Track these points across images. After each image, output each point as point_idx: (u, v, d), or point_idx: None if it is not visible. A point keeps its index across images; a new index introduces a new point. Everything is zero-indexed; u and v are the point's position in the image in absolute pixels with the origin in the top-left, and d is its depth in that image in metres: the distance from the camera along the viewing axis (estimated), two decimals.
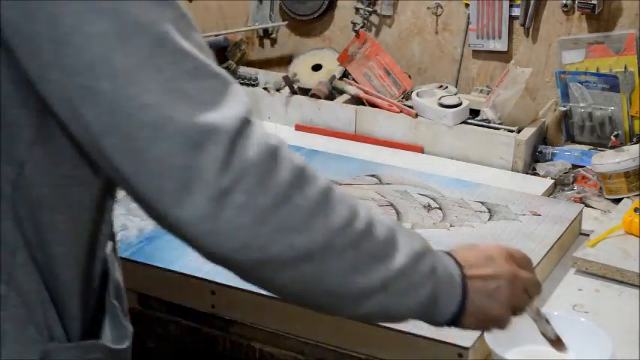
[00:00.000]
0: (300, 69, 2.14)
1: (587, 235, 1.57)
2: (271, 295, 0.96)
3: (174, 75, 0.86)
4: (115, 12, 0.85)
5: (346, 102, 2.04)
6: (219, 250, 0.88)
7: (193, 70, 0.88)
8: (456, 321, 1.03)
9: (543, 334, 1.17)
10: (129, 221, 1.56)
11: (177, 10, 0.89)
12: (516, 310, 1.10)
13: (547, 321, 1.16)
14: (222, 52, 2.15)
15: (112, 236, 1.09)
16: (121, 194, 1.03)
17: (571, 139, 1.97)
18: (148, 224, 1.56)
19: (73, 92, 0.86)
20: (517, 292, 1.08)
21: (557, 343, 1.18)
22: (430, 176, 1.75)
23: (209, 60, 0.90)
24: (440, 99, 1.94)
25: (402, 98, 2.04)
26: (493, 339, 1.25)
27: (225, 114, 0.87)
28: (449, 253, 1.05)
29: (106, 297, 1.07)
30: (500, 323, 1.08)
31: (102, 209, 1.02)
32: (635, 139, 1.87)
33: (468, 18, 2.05)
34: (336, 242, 0.91)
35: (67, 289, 1.00)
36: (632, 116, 1.90)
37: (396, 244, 0.97)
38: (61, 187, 0.96)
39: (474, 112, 1.95)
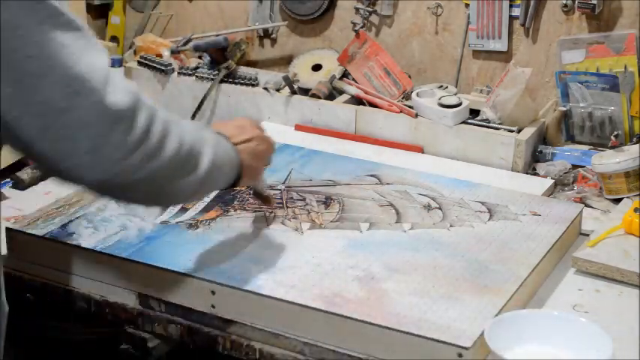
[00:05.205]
0: (300, 69, 2.14)
1: (587, 235, 1.57)
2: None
3: (51, 27, 1.02)
4: None
5: (346, 102, 2.04)
6: (97, 178, 1.07)
7: (66, 23, 1.04)
8: (237, 182, 1.33)
9: (256, 192, 1.50)
10: (129, 221, 1.56)
11: None
12: (266, 163, 1.43)
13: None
14: (222, 52, 2.14)
15: None
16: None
17: (571, 139, 1.97)
18: (148, 224, 1.56)
19: None
20: (268, 147, 1.41)
21: (266, 199, 1.51)
22: (430, 176, 1.75)
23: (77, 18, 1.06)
24: (440, 99, 1.93)
25: (402, 98, 2.04)
26: (493, 339, 1.25)
27: (95, 63, 1.05)
28: (214, 130, 1.31)
29: None
30: (260, 175, 1.44)
31: None
32: (635, 139, 1.87)
33: (468, 18, 2.05)
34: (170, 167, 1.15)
35: None
36: (632, 116, 1.90)
37: (202, 155, 1.20)
38: None
39: (474, 112, 1.95)
